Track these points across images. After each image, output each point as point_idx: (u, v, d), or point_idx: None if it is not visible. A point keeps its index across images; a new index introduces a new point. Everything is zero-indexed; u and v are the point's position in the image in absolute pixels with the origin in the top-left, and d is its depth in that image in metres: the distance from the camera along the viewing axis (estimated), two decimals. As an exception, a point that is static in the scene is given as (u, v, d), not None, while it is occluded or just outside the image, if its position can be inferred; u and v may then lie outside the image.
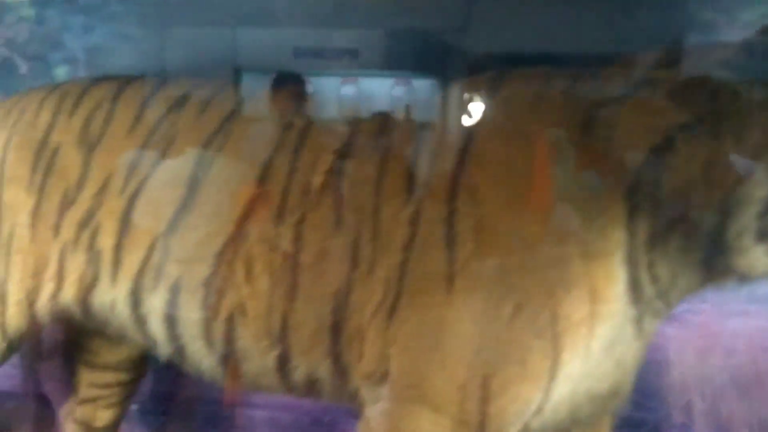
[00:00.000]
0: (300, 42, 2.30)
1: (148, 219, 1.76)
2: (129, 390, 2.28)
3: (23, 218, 1.86)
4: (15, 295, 1.88)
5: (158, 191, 1.77)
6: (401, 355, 1.48)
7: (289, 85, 2.33)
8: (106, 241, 1.79)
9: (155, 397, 2.59)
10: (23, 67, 2.56)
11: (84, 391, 2.26)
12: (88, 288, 1.83)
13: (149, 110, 1.85)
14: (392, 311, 1.50)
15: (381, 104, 2.33)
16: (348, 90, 2.33)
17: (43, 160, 1.87)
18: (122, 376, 2.24)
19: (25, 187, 1.87)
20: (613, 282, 1.41)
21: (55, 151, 1.87)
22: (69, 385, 2.33)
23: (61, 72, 2.54)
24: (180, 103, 1.84)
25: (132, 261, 1.76)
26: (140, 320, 1.79)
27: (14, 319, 1.89)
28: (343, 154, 1.63)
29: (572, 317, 1.39)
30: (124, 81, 1.94)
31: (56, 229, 1.83)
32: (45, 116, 1.91)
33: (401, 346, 1.49)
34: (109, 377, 2.23)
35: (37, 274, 1.86)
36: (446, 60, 2.23)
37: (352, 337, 1.57)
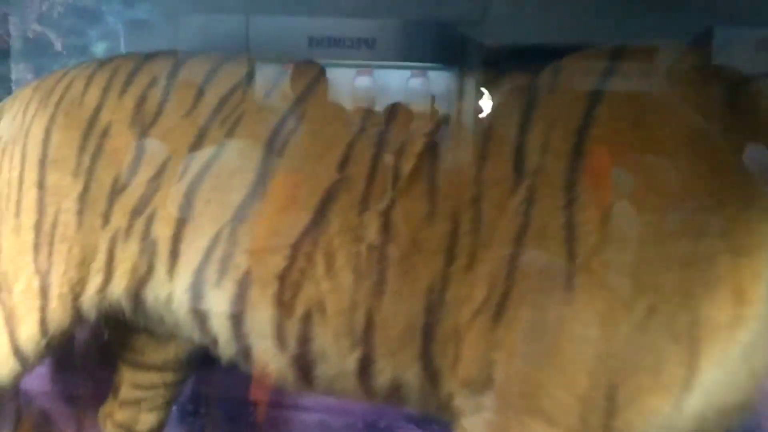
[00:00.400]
0: (315, 31, 2.17)
1: (212, 206, 1.60)
2: (174, 392, 2.13)
3: (69, 204, 1.70)
4: (58, 287, 1.71)
5: (224, 176, 1.61)
6: (510, 360, 1.33)
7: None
8: (162, 230, 1.63)
9: (196, 398, 2.43)
10: (58, 44, 2.39)
11: (126, 393, 2.10)
12: (141, 281, 1.67)
13: (211, 88, 1.69)
14: (499, 311, 1.34)
15: (397, 96, 2.19)
16: (363, 81, 2.20)
17: (92, 141, 1.71)
18: (168, 377, 2.08)
19: (71, 171, 1.71)
20: (760, 281, 1.24)
21: (105, 132, 1.71)
22: (106, 385, 2.17)
23: (99, 49, 2.37)
24: (246, 81, 1.68)
25: (193, 252, 1.61)
26: (200, 317, 1.64)
27: (56, 314, 1.73)
28: (437, 135, 1.47)
29: (714, 320, 1.23)
30: (180, 57, 1.78)
31: (106, 216, 1.68)
32: (93, 94, 1.75)
33: (510, 351, 1.33)
34: (154, 378, 2.08)
35: (83, 265, 1.70)
36: (463, 51, 2.10)
37: (447, 339, 1.41)
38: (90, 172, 1.69)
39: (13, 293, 1.73)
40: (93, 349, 2.36)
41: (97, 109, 1.73)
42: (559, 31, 2.00)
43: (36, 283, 1.71)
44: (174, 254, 1.63)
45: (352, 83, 2.19)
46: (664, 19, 1.89)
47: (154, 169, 1.66)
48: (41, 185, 1.72)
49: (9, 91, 2.43)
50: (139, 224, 1.66)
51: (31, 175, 1.73)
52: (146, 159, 1.67)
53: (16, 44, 2.43)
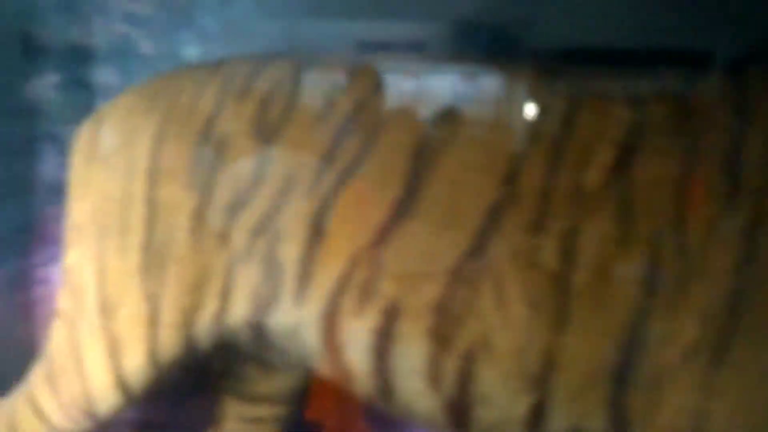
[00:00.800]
0: (363, 35, 2.03)
1: (350, 224, 1.42)
2: (284, 426, 1.94)
3: (182, 221, 1.53)
4: (170, 314, 1.55)
5: (364, 190, 1.42)
6: (736, 413, 1.13)
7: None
8: (289, 251, 1.46)
9: None
10: (146, 46, 2.23)
11: (231, 426, 1.92)
12: (263, 307, 1.50)
13: (343, 94, 1.51)
14: (719, 352, 1.14)
15: (445, 100, 2.04)
16: (409, 85, 2.04)
17: (207, 151, 1.54)
18: (279, 410, 1.91)
19: (184, 185, 1.54)
20: None
21: (223, 142, 1.53)
22: (207, 416, 2.00)
23: (191, 52, 2.20)
24: (383, 86, 1.50)
25: (326, 276, 1.43)
26: (334, 349, 1.46)
27: (167, 343, 1.56)
28: (629, 144, 1.27)
29: None
30: (303, 59, 1.60)
31: (224, 235, 1.51)
32: (207, 101, 1.57)
33: (735, 401, 1.13)
34: (263, 411, 1.90)
35: (197, 290, 1.53)
36: (514, 54, 1.95)
37: (644, 383, 1.21)
38: (206, 186, 1.53)
39: (117, 320, 1.58)
40: (185, 376, 2.19)
41: (213, 117, 1.56)
42: (612, 32, 1.87)
43: (144, 309, 1.56)
44: (303, 278, 1.45)
45: (399, 86, 2.04)
46: (719, 24, 1.76)
47: (279, 183, 1.48)
48: (150, 200, 1.56)
49: (92, 97, 2.27)
50: (262, 244, 1.48)
51: (139, 189, 1.57)
52: (271, 172, 1.50)
53: (100, 46, 2.27)
